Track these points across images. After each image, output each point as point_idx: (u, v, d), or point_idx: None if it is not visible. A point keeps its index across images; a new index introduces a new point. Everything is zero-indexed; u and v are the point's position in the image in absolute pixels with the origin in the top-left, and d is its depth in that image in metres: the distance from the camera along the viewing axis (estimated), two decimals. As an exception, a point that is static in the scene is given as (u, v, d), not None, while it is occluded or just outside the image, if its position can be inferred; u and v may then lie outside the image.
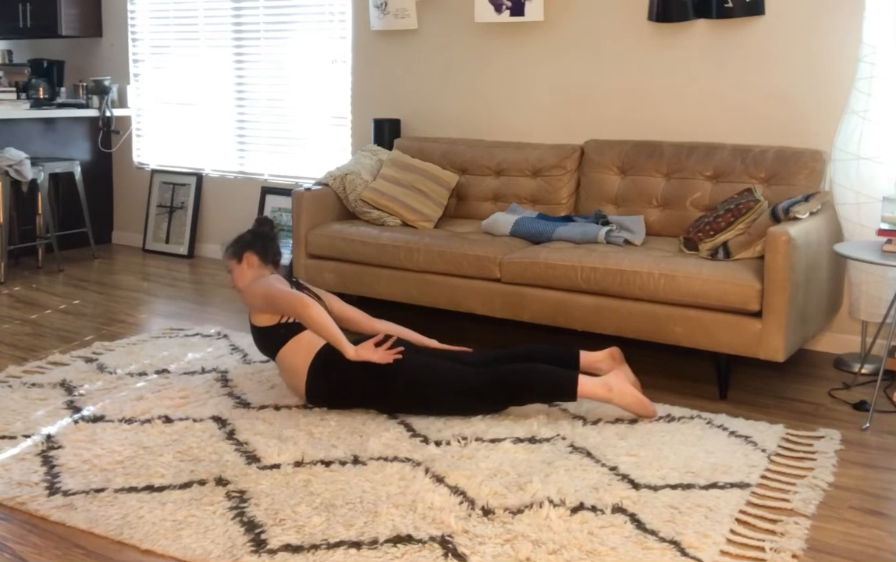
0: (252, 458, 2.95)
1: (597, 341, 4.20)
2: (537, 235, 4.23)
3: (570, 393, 3.24)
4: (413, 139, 5.20)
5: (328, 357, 3.33)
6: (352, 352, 3.27)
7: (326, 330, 3.30)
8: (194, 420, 3.28)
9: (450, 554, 2.35)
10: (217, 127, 6.41)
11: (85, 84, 6.68)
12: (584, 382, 3.24)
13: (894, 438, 3.29)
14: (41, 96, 6.57)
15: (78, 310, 4.96)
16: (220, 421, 3.27)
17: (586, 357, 3.46)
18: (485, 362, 3.45)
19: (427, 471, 2.85)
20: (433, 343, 3.61)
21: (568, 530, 2.48)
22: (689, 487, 2.76)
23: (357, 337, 3.41)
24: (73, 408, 3.39)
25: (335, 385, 3.33)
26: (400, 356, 3.29)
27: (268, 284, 3.44)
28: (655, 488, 2.75)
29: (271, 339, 3.42)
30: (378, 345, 3.31)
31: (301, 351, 3.36)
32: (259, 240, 3.66)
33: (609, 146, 4.57)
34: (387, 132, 5.35)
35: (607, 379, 3.27)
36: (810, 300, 3.68)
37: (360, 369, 3.29)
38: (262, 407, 3.42)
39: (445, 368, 3.30)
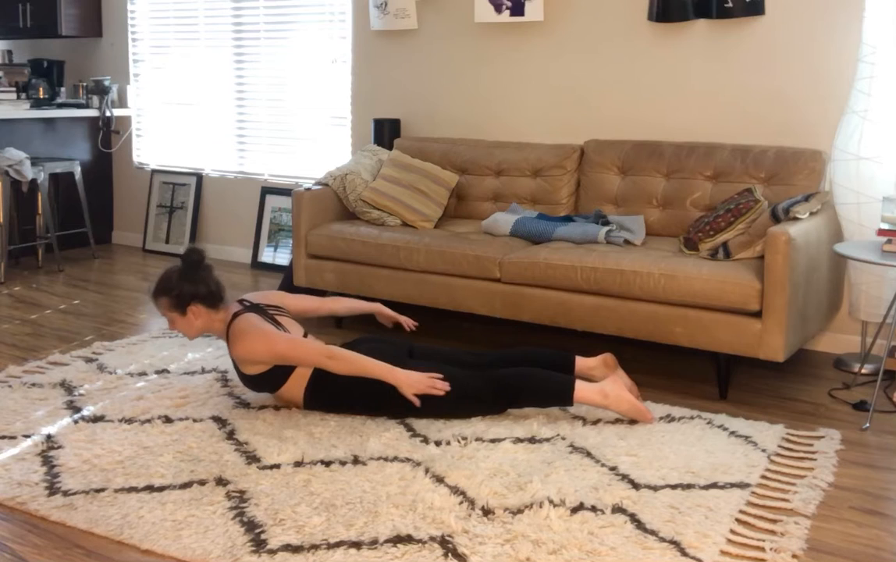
0: (252, 458, 2.95)
1: (597, 341, 4.20)
2: (537, 235, 4.23)
3: (567, 398, 3.25)
4: (413, 139, 5.20)
5: (321, 381, 3.28)
6: (407, 387, 3.17)
7: (365, 369, 3.18)
8: (194, 420, 3.28)
9: (450, 554, 2.35)
10: (217, 127, 6.41)
11: (85, 84, 6.68)
12: (581, 388, 3.24)
13: (894, 438, 3.29)
14: (41, 96, 6.57)
15: (78, 310, 4.96)
16: (220, 421, 3.27)
17: (581, 363, 3.47)
18: (479, 365, 3.45)
19: (427, 471, 2.85)
20: (379, 307, 3.70)
21: (568, 530, 2.48)
22: (689, 487, 2.76)
23: (359, 339, 3.40)
24: (73, 408, 3.39)
25: (334, 399, 3.31)
26: (449, 388, 3.21)
27: (268, 338, 3.19)
28: (655, 488, 2.75)
29: (267, 382, 3.30)
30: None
31: (296, 381, 3.29)
32: (200, 284, 3.29)
33: (609, 146, 4.57)
34: (387, 132, 5.35)
35: (604, 386, 3.28)
36: (810, 300, 3.68)
37: (355, 383, 3.24)
38: (262, 407, 3.41)
39: (443, 372, 3.29)
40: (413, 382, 3.19)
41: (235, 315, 3.32)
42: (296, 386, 3.30)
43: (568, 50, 4.90)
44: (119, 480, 2.78)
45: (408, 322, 3.74)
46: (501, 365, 3.42)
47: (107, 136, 6.83)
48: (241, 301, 3.43)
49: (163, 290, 3.34)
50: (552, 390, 3.26)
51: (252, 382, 3.33)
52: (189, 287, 3.30)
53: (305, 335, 3.43)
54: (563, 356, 3.47)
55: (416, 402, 3.19)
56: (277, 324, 3.36)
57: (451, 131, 5.31)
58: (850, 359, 4.09)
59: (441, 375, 3.24)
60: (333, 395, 3.29)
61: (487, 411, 3.32)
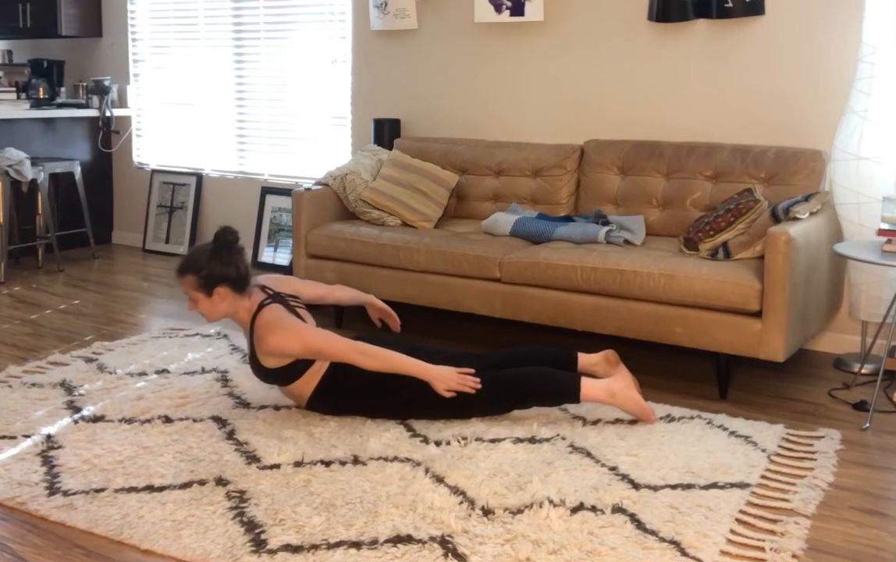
0: (252, 458, 2.95)
1: (597, 341, 4.20)
2: (537, 235, 4.23)
3: (574, 397, 3.23)
4: (413, 139, 5.20)
5: (332, 382, 3.25)
6: (440, 382, 3.16)
7: (397, 365, 3.15)
8: (194, 420, 3.28)
9: (450, 554, 2.35)
10: (217, 127, 6.41)
11: (85, 84, 6.68)
12: (588, 386, 3.23)
13: (894, 438, 3.29)
14: (41, 96, 6.57)
15: (78, 310, 4.96)
16: (220, 421, 3.27)
17: (583, 359, 3.46)
18: (482, 365, 3.44)
19: (427, 471, 2.85)
20: (371, 298, 3.70)
21: (568, 530, 2.48)
22: (689, 487, 2.76)
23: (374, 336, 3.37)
24: (73, 408, 3.39)
25: (339, 401, 3.29)
26: (481, 385, 3.20)
27: (301, 333, 3.12)
28: (655, 488, 2.75)
29: (285, 375, 3.23)
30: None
31: (310, 377, 3.26)
32: (231, 270, 3.20)
33: (609, 146, 4.57)
34: (387, 132, 5.35)
35: (611, 384, 3.26)
36: (810, 300, 3.68)
37: (362, 382, 3.23)
38: (262, 407, 3.41)
39: None
40: (446, 377, 3.16)
41: (262, 305, 3.23)
42: (309, 382, 3.26)
43: (568, 50, 4.90)
44: (119, 480, 2.78)
45: (395, 322, 3.73)
46: (505, 365, 3.40)
47: (107, 136, 6.83)
48: (263, 288, 3.34)
49: (191, 267, 3.20)
50: (558, 389, 3.25)
51: (268, 374, 3.24)
52: (219, 268, 3.19)
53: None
54: (565, 354, 3.46)
55: (448, 395, 3.17)
56: (297, 316, 3.31)
57: (451, 131, 5.31)
58: (850, 359, 4.09)
59: (473, 371, 3.21)
60: (341, 397, 3.27)
61: (492, 412, 3.31)
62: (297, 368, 3.22)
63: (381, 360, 3.15)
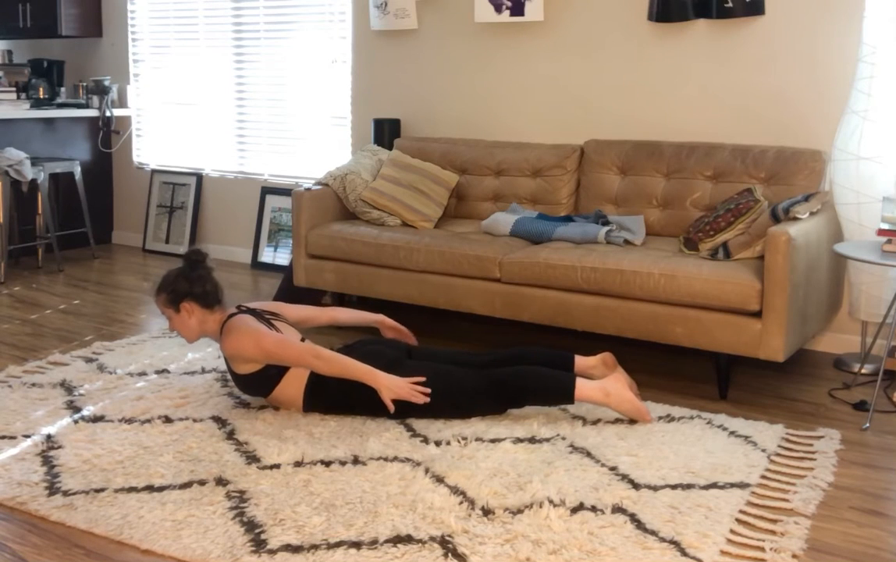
0: (252, 458, 2.95)
1: (596, 342, 4.20)
2: (537, 235, 4.23)
3: (569, 396, 3.24)
4: (413, 139, 5.20)
5: (318, 386, 3.28)
6: (386, 391, 3.18)
7: (348, 370, 3.20)
8: (194, 420, 3.28)
9: (450, 554, 2.35)
10: (217, 127, 6.41)
11: (85, 84, 6.68)
12: (583, 386, 3.24)
13: (894, 438, 3.29)
14: (41, 96, 6.57)
15: (78, 310, 4.96)
16: (220, 421, 3.27)
17: (580, 362, 3.47)
18: (480, 364, 3.44)
19: (427, 471, 2.85)
20: (381, 318, 3.68)
21: (568, 530, 2.48)
22: (689, 487, 2.76)
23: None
24: (73, 408, 3.39)
25: (333, 402, 3.31)
26: (428, 400, 3.22)
27: (257, 334, 3.22)
28: (655, 488, 2.75)
29: (260, 382, 3.31)
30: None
31: (292, 382, 3.30)
32: (196, 283, 3.35)
33: (609, 146, 4.57)
34: (387, 132, 5.35)
35: (605, 384, 3.27)
36: (810, 300, 3.68)
37: (352, 387, 3.24)
38: (262, 407, 3.41)
39: (444, 373, 3.29)
40: (394, 386, 3.19)
41: (230, 316, 3.36)
42: (290, 389, 3.30)
43: (568, 50, 4.90)
44: (119, 480, 2.78)
45: (409, 338, 3.71)
46: (501, 365, 3.42)
47: (107, 136, 6.83)
48: (238, 307, 3.46)
49: (161, 286, 3.41)
50: (553, 388, 3.25)
51: (244, 382, 3.34)
52: (184, 284, 3.36)
53: (303, 340, 3.43)
54: (563, 356, 3.47)
55: (392, 408, 3.19)
56: (273, 328, 3.38)
57: (451, 131, 5.31)
58: (850, 359, 4.09)
59: (424, 379, 3.23)
60: (331, 397, 3.30)
61: (488, 411, 3.32)
62: (269, 375, 3.27)
63: (333, 364, 3.21)
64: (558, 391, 3.25)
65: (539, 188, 4.69)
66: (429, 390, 3.22)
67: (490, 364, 3.44)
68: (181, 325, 3.39)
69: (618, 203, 4.48)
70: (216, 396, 3.53)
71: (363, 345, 3.45)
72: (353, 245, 4.45)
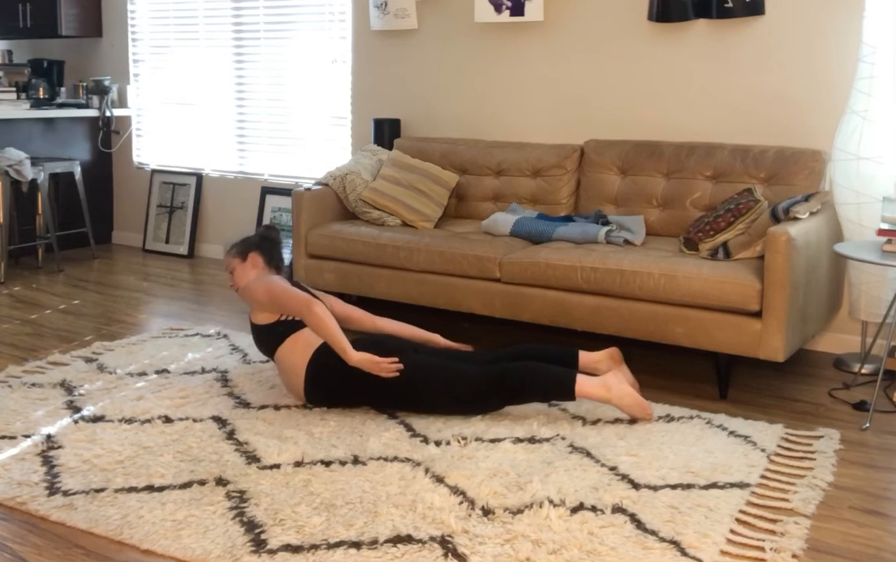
0: (252, 458, 2.95)
1: (597, 341, 4.20)
2: (537, 235, 4.23)
3: (569, 392, 3.23)
4: (413, 139, 5.20)
5: (326, 357, 3.33)
6: (354, 358, 3.26)
7: (329, 332, 3.30)
8: (194, 420, 3.28)
9: (450, 554, 2.35)
10: (217, 127, 6.41)
11: (85, 84, 6.68)
12: (583, 382, 3.23)
13: (894, 438, 3.29)
14: (41, 96, 6.57)
15: (78, 310, 4.96)
16: (220, 421, 3.27)
17: (585, 357, 3.45)
18: (483, 361, 3.45)
19: (427, 471, 2.85)
20: (437, 338, 3.63)
21: (568, 530, 2.48)
22: (688, 487, 2.76)
23: (355, 337, 3.41)
24: (73, 408, 3.39)
25: (333, 383, 3.33)
26: (398, 375, 3.26)
27: (271, 281, 3.45)
28: (655, 488, 2.75)
29: (269, 336, 3.43)
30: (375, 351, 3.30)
31: (299, 349, 3.37)
32: (266, 243, 3.69)
33: (609, 146, 4.57)
34: (387, 132, 5.35)
35: (606, 379, 3.26)
36: (810, 300, 3.68)
37: (354, 374, 3.29)
38: (262, 407, 3.42)
39: (443, 366, 3.30)
40: (361, 360, 3.26)
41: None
42: (295, 354, 3.36)
43: (568, 50, 4.90)
44: (119, 480, 2.78)
45: (463, 348, 3.66)
46: (504, 361, 3.41)
47: (107, 136, 6.83)
48: (289, 278, 3.68)
49: (234, 244, 3.72)
50: (553, 384, 3.24)
51: (256, 333, 3.48)
52: (256, 240, 3.70)
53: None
54: (567, 352, 3.46)
55: (376, 370, 3.24)
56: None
57: (451, 131, 5.32)
58: (850, 359, 4.09)
59: (396, 359, 3.27)
60: (332, 383, 3.33)
61: (488, 405, 3.32)
62: (279, 331, 3.40)
63: (320, 323, 3.30)
64: (558, 387, 3.24)
65: (539, 188, 4.69)
66: (400, 367, 3.26)
67: (493, 362, 3.43)
68: (242, 274, 3.60)
69: (618, 203, 4.48)
70: (216, 397, 3.53)
71: (372, 335, 3.54)
72: (353, 245, 4.45)
